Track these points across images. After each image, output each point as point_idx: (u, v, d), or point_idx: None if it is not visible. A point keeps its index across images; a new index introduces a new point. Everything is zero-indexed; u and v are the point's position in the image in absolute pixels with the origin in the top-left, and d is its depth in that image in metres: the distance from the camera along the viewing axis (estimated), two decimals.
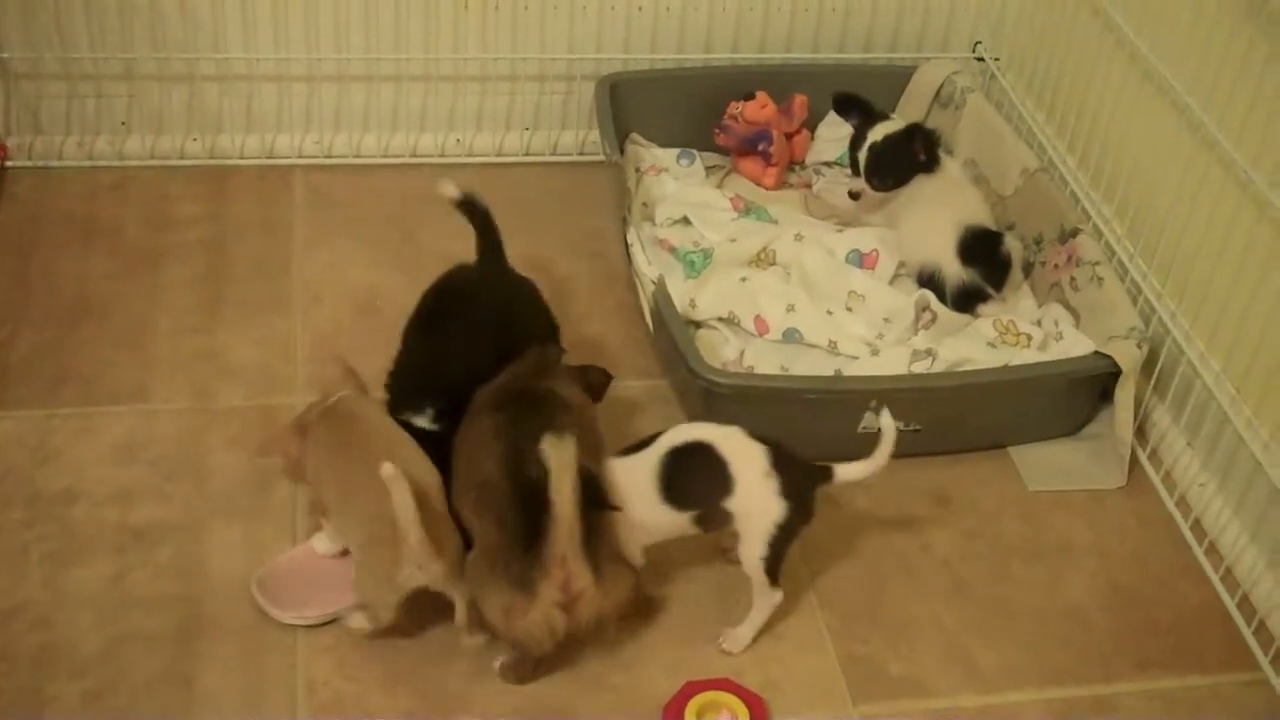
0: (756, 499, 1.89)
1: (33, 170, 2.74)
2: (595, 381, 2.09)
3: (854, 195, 2.63)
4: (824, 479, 1.92)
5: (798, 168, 2.88)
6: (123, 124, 2.79)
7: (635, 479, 1.91)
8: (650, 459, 1.92)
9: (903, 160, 2.56)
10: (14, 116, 2.75)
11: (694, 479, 1.91)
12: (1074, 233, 2.46)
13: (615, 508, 1.83)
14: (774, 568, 1.92)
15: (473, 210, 2.19)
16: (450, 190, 2.16)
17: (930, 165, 2.56)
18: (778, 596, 1.96)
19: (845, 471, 1.92)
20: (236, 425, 2.24)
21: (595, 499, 1.78)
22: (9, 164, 2.73)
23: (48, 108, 2.75)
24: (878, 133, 2.57)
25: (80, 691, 1.83)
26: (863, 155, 2.58)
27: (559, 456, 1.69)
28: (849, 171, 2.74)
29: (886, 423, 1.92)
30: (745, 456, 1.90)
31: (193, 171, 2.79)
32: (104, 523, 2.05)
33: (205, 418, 2.25)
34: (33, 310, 2.42)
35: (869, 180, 2.59)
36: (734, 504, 1.90)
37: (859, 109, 2.64)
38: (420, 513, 1.75)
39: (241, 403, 2.29)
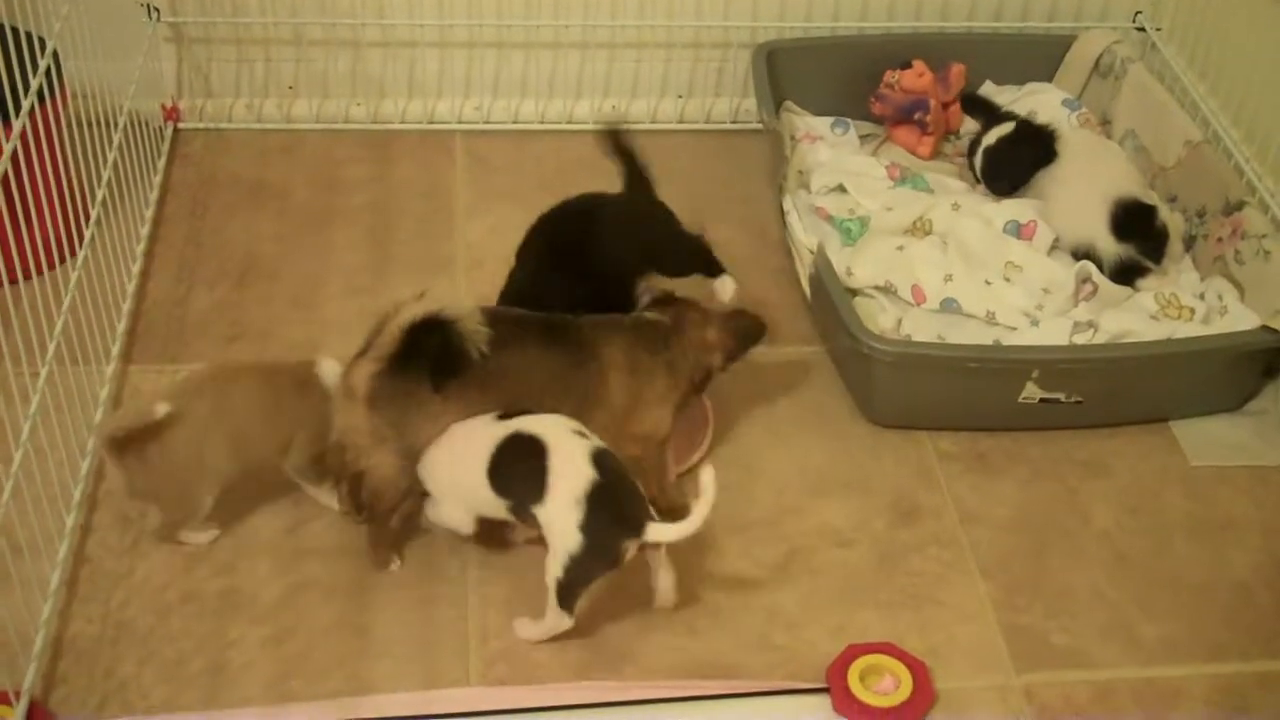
0: (559, 519, 1.81)
1: (204, 132, 2.82)
2: (742, 328, 2.10)
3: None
4: (634, 533, 1.80)
5: (953, 137, 2.87)
6: (290, 88, 2.85)
7: (472, 448, 1.88)
8: (491, 437, 1.87)
9: (1015, 162, 2.56)
10: (186, 80, 2.83)
11: (518, 472, 1.85)
12: (1239, 205, 2.42)
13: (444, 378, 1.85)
14: (564, 594, 1.83)
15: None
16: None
17: (1046, 158, 2.54)
18: (566, 623, 1.86)
19: (656, 530, 1.79)
20: None
21: (441, 357, 1.82)
22: (181, 126, 2.82)
23: (219, 71, 2.83)
24: (991, 136, 2.58)
25: (261, 636, 1.90)
26: (978, 160, 2.59)
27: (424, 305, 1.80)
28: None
29: (707, 480, 1.78)
30: (569, 473, 1.82)
31: (357, 135, 2.85)
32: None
33: None
34: (207, 269, 2.50)
35: (987, 186, 2.59)
36: (542, 514, 1.83)
37: (984, 110, 2.67)
38: None
39: None
